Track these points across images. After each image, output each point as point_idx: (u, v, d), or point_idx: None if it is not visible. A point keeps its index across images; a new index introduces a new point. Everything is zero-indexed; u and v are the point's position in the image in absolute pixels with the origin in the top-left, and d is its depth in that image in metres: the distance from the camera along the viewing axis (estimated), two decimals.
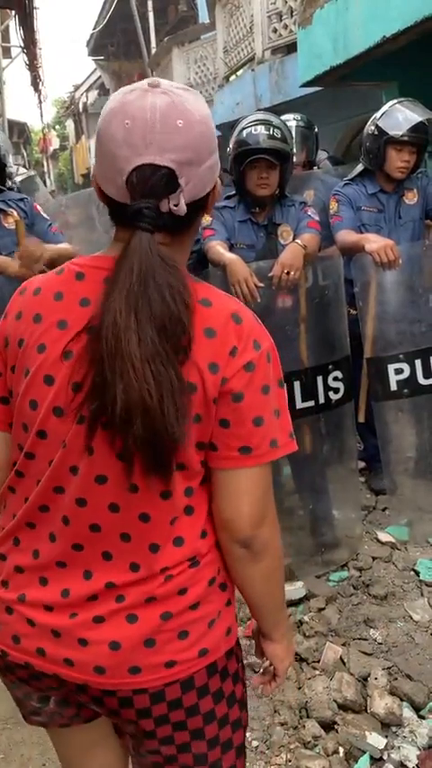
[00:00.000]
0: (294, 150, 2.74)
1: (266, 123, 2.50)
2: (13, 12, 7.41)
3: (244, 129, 2.52)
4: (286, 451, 0.93)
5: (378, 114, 2.79)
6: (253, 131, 2.49)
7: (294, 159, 2.72)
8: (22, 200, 2.47)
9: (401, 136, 2.68)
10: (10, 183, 2.62)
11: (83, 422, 0.85)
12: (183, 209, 0.85)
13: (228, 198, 2.70)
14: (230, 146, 2.57)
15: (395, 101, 2.82)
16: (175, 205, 0.85)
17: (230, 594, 0.99)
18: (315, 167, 3.63)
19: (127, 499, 0.88)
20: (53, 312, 0.90)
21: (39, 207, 2.57)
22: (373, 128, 2.78)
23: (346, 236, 2.76)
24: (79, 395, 0.84)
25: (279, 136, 2.48)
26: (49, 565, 0.93)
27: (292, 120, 3.47)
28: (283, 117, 3.31)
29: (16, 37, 7.96)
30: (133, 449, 0.82)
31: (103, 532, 0.90)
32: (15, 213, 2.35)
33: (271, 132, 2.47)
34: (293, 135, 3.19)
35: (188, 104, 0.85)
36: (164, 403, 0.80)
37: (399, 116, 2.72)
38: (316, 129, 3.64)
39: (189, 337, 0.84)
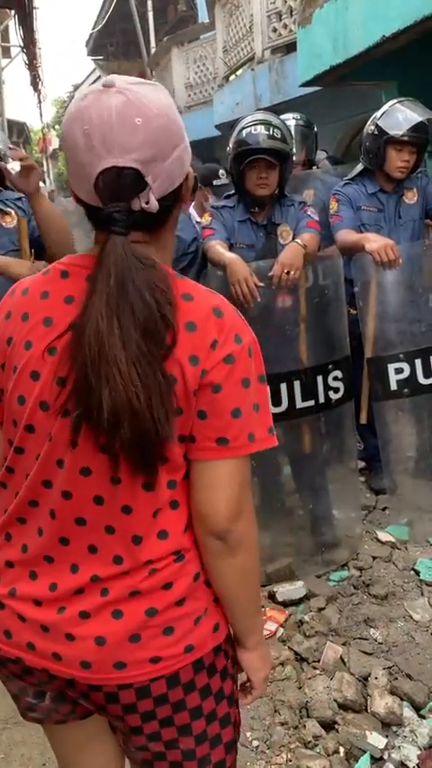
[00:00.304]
0: (294, 149, 2.74)
1: (266, 123, 2.49)
2: (13, 11, 7.41)
3: (243, 128, 2.52)
4: (264, 446, 0.93)
5: (378, 114, 2.79)
6: (253, 131, 2.48)
7: (294, 158, 2.72)
8: (19, 198, 2.47)
9: (401, 136, 2.68)
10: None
11: (67, 415, 0.86)
12: (154, 206, 0.85)
13: (227, 197, 2.70)
14: (230, 145, 2.57)
15: (395, 100, 2.82)
16: (146, 203, 0.85)
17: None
18: (314, 167, 3.63)
19: (110, 491, 0.89)
20: (39, 310, 0.91)
21: None
22: (373, 127, 2.78)
23: (346, 235, 2.76)
24: (64, 390, 0.85)
25: (279, 136, 2.48)
26: (38, 559, 0.94)
27: (291, 119, 3.47)
28: (283, 116, 3.31)
29: (16, 37, 7.96)
30: (119, 449, 0.84)
31: (88, 526, 0.91)
32: (13, 212, 2.34)
33: (271, 132, 2.46)
34: (293, 134, 3.19)
35: (145, 100, 0.84)
36: (152, 404, 0.81)
37: (399, 116, 2.72)
38: (315, 129, 3.64)
39: (174, 334, 0.84)
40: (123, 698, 0.93)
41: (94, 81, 19.77)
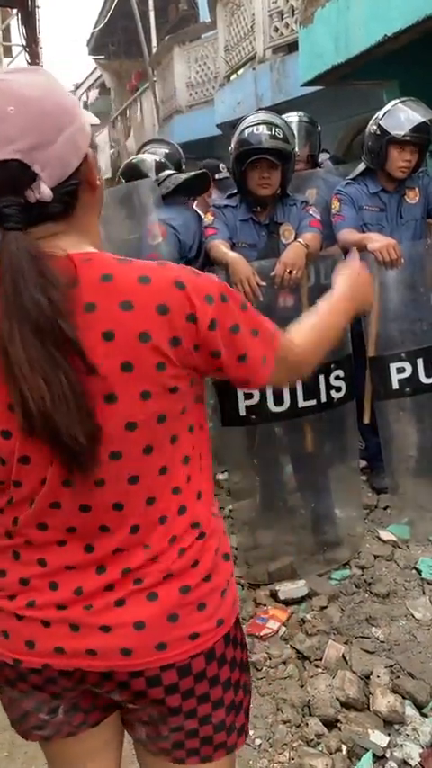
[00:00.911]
0: (297, 147, 2.74)
1: (268, 123, 2.49)
2: (15, 10, 7.41)
3: (246, 128, 2.52)
4: (279, 355, 0.98)
5: (380, 114, 2.79)
6: (255, 131, 2.48)
7: (298, 154, 2.72)
8: None
9: (403, 136, 2.68)
10: None
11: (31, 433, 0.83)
12: (46, 194, 0.81)
13: (230, 197, 2.70)
14: (232, 145, 2.57)
15: (397, 100, 2.82)
16: (39, 193, 0.81)
17: (232, 566, 1.03)
18: (318, 166, 3.63)
19: (129, 492, 0.89)
20: None
21: None
22: (375, 127, 2.78)
23: (348, 235, 2.76)
24: (14, 414, 0.82)
25: (281, 136, 2.48)
26: (59, 570, 0.92)
27: (295, 115, 3.47)
28: (287, 114, 3.33)
29: (18, 35, 7.95)
30: (58, 453, 0.83)
31: (112, 530, 0.90)
32: None
33: (273, 132, 2.46)
34: (296, 130, 3.20)
35: (17, 86, 0.80)
36: (57, 406, 0.78)
37: (401, 116, 2.72)
38: (319, 128, 3.64)
39: (71, 327, 0.79)
40: (166, 679, 0.93)
41: (96, 80, 19.78)
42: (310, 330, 1.09)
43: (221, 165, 3.44)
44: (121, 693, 0.97)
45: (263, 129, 2.48)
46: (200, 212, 2.99)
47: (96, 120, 0.93)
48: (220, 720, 0.99)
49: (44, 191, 0.81)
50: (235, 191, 2.68)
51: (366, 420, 2.72)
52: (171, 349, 0.85)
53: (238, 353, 0.92)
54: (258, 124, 2.50)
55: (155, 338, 0.84)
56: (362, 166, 2.94)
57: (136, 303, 0.83)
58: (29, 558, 0.93)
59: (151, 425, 0.88)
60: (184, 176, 2.74)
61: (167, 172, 2.83)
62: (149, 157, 2.98)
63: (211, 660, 0.95)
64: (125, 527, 0.90)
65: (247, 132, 2.51)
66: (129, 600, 0.91)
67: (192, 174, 2.77)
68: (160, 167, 2.87)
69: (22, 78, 0.82)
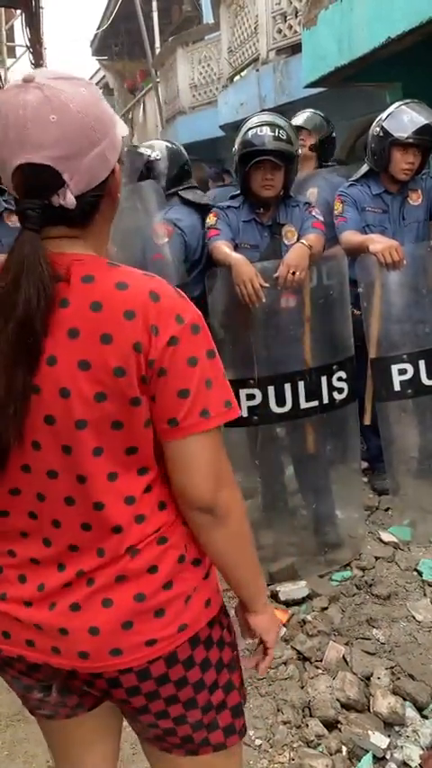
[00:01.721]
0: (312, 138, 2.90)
1: (272, 124, 2.49)
2: (19, 11, 7.43)
3: (249, 129, 2.52)
4: (221, 420, 0.92)
5: (384, 115, 2.79)
6: (258, 132, 2.49)
7: (302, 139, 2.75)
8: None
9: (406, 138, 2.69)
10: None
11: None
12: (70, 202, 0.85)
13: (232, 198, 2.71)
14: (235, 146, 2.58)
15: (401, 102, 2.82)
16: (63, 199, 0.85)
17: (207, 567, 1.01)
18: (323, 165, 3.61)
19: (78, 490, 0.90)
20: None
21: None
22: (378, 129, 2.78)
23: (350, 236, 2.77)
24: None
25: (284, 137, 2.48)
26: (25, 562, 0.95)
27: (309, 111, 3.52)
28: (302, 111, 3.39)
29: (22, 36, 7.96)
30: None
31: (64, 526, 0.92)
32: None
33: (276, 134, 2.47)
34: (307, 119, 3.32)
35: (63, 96, 0.82)
36: (11, 410, 0.85)
37: (404, 118, 2.72)
38: (333, 130, 3.65)
39: (43, 326, 0.84)
40: (125, 682, 0.95)
41: (99, 81, 19.81)
42: (244, 525, 1.00)
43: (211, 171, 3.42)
44: (90, 688, 1.00)
45: (266, 131, 2.48)
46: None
47: (126, 131, 0.94)
48: (197, 720, 1.00)
49: (69, 198, 0.85)
50: (238, 192, 2.69)
51: (367, 421, 2.72)
52: (132, 354, 0.85)
53: (182, 386, 0.89)
54: (262, 125, 2.50)
55: (116, 341, 0.85)
56: (365, 168, 2.94)
57: (105, 305, 0.85)
58: (1, 549, 0.97)
59: (103, 429, 0.88)
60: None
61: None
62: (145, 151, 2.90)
63: (173, 664, 0.95)
64: (76, 523, 0.91)
65: (250, 133, 2.51)
66: (84, 605, 0.92)
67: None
68: (149, 168, 2.79)
69: (69, 89, 0.84)
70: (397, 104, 2.81)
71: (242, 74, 8.10)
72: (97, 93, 0.88)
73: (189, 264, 2.67)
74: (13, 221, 2.43)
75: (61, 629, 0.92)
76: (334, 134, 3.67)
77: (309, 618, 2.27)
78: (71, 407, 0.86)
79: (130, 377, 0.86)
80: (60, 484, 0.90)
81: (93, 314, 0.85)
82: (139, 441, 0.91)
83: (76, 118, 0.83)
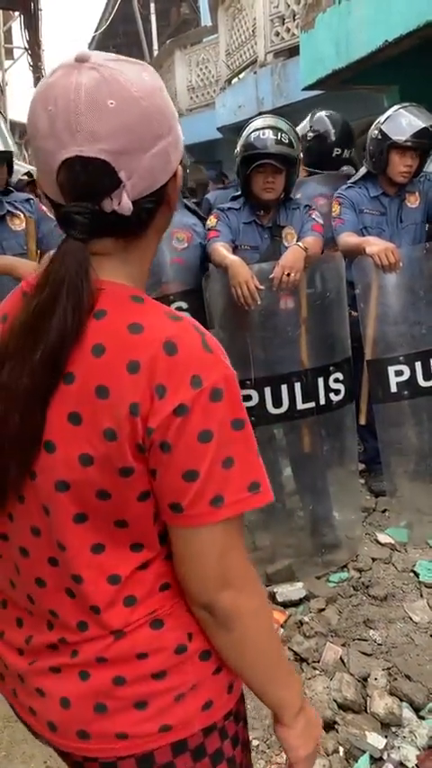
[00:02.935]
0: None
1: (274, 128, 2.52)
2: (17, 13, 7.44)
3: (252, 132, 2.54)
4: (239, 509, 0.74)
5: (382, 118, 2.80)
6: (261, 135, 2.51)
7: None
8: (28, 200, 2.49)
9: (405, 141, 2.70)
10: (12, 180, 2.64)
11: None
12: (127, 207, 0.71)
13: (233, 199, 2.72)
14: (238, 148, 2.60)
15: (399, 105, 2.84)
16: (118, 204, 0.71)
17: (218, 662, 0.83)
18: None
19: (60, 555, 0.78)
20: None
21: (44, 207, 2.59)
22: (376, 132, 2.80)
23: (347, 238, 2.78)
24: None
25: (287, 141, 2.51)
26: (21, 607, 0.85)
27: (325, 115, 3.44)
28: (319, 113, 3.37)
29: (20, 38, 7.98)
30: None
31: (48, 587, 0.80)
32: (22, 215, 2.37)
33: (279, 137, 2.49)
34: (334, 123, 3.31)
35: (123, 79, 0.69)
36: (15, 445, 0.74)
37: (402, 121, 2.73)
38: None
39: (62, 365, 0.72)
40: None
41: None
42: (271, 630, 0.84)
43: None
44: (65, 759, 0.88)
45: (269, 134, 2.50)
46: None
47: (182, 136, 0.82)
48: None
49: (125, 202, 0.71)
50: (239, 194, 2.70)
51: (362, 421, 2.73)
52: (128, 417, 0.70)
53: (189, 467, 0.71)
54: (264, 128, 2.52)
55: (113, 397, 0.70)
56: (363, 170, 2.95)
57: (109, 350, 0.71)
58: (4, 583, 0.87)
59: (86, 496, 0.74)
60: None
61: None
62: None
63: (146, 767, 0.79)
64: (60, 587, 0.79)
65: (253, 136, 2.53)
66: (63, 670, 0.80)
67: None
68: None
69: (130, 72, 0.71)
70: (395, 108, 2.82)
71: (240, 76, 8.13)
72: (160, 81, 0.75)
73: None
74: (17, 225, 2.42)
75: (38, 689, 0.81)
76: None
77: (306, 619, 2.28)
78: (54, 465, 0.73)
79: (122, 443, 0.70)
80: (43, 542, 0.78)
81: (93, 359, 0.71)
82: (132, 515, 0.75)
83: (138, 106, 0.70)
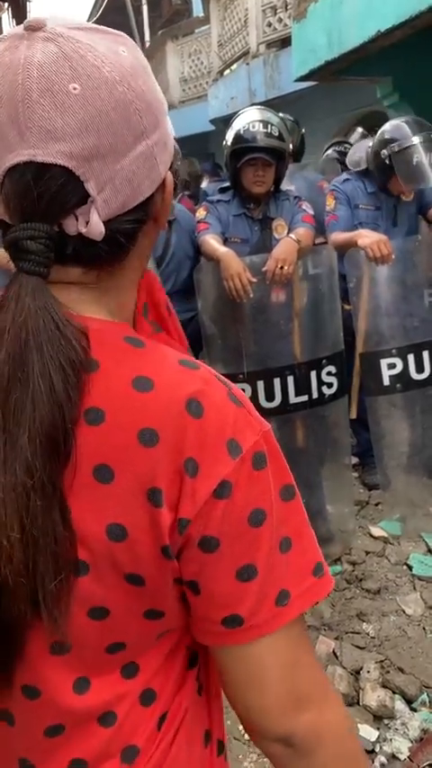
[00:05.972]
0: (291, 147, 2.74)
1: (264, 121, 2.49)
2: (6, 4, 7.35)
3: (242, 125, 2.51)
4: (310, 603, 0.57)
5: (390, 143, 2.69)
6: (251, 129, 2.48)
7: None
8: None
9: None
10: None
11: None
12: (97, 229, 0.52)
13: (222, 191, 2.70)
14: (227, 141, 2.57)
15: (404, 122, 2.75)
16: (86, 225, 0.52)
17: None
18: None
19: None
20: None
21: None
22: (385, 154, 2.69)
23: (338, 236, 2.76)
24: None
25: (276, 134, 2.48)
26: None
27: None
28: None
29: (8, 29, 7.90)
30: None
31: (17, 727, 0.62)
32: None
33: (269, 130, 2.46)
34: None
35: (92, 55, 0.50)
36: (36, 563, 0.49)
37: (413, 161, 2.64)
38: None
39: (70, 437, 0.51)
40: None
41: None
42: (360, 749, 0.64)
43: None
44: None
45: (259, 127, 2.47)
46: None
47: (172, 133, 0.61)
48: None
49: (94, 224, 0.52)
50: (228, 186, 2.68)
51: (353, 415, 2.72)
52: (145, 506, 0.52)
53: (243, 562, 0.54)
54: (255, 122, 2.50)
55: (119, 481, 0.51)
56: (363, 165, 2.92)
57: (109, 416, 0.52)
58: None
59: (76, 615, 0.54)
60: None
61: None
62: None
63: None
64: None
65: (242, 129, 2.50)
66: None
67: None
68: None
69: (102, 45, 0.51)
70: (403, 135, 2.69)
71: (232, 67, 8.09)
72: (143, 59, 0.55)
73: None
74: None
75: None
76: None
77: None
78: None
79: (133, 544, 0.52)
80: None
81: (88, 427, 0.51)
82: (132, 636, 0.57)
83: (114, 91, 0.50)
